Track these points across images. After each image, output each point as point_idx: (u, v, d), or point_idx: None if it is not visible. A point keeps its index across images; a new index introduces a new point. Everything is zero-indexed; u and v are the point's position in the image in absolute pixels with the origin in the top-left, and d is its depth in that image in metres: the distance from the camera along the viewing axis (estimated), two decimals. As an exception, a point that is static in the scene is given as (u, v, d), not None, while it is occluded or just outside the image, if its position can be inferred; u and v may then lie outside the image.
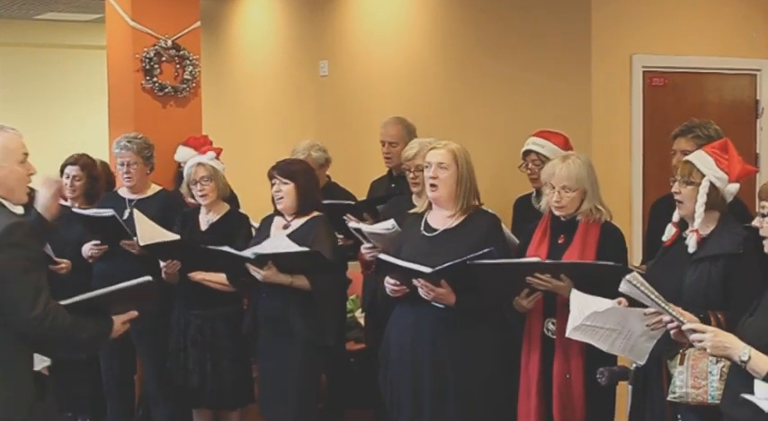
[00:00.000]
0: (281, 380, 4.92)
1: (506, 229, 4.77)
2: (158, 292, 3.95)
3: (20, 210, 3.65)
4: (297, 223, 4.99)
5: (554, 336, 4.21)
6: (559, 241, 4.28)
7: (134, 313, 3.75)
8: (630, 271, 3.83)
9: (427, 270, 4.12)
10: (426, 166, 4.42)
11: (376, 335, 5.05)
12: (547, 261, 4.12)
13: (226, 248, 4.93)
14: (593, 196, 4.27)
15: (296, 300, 4.85)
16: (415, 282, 4.19)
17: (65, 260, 5.53)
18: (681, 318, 3.25)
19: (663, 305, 3.28)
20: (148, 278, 3.77)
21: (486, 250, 4.08)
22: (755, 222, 3.33)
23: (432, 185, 4.37)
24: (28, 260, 3.45)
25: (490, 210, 4.53)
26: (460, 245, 4.24)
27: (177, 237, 5.38)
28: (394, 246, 4.63)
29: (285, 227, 5.01)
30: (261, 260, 4.79)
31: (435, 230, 4.39)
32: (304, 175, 5.05)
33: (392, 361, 4.46)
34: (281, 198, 4.97)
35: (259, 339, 5.07)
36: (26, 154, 3.63)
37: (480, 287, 4.14)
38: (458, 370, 4.27)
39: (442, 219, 4.41)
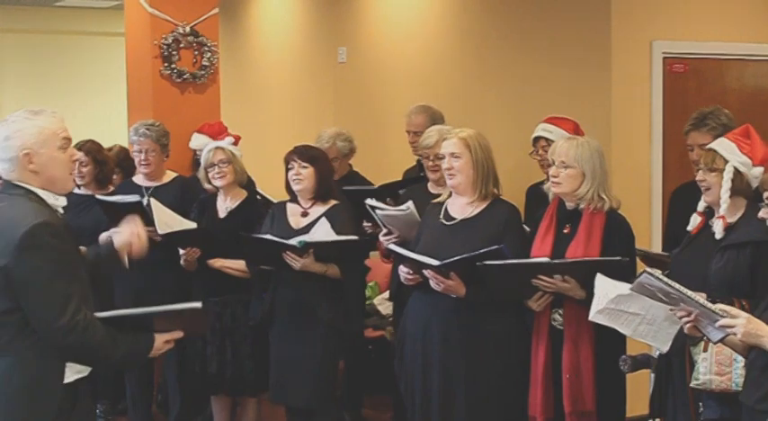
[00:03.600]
0: (300, 365, 4.91)
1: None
2: (207, 320, 3.77)
3: (63, 201, 3.38)
4: (317, 211, 4.97)
5: (561, 327, 4.17)
6: (564, 231, 4.23)
7: (179, 333, 3.48)
8: (651, 258, 3.82)
9: (435, 262, 4.11)
10: (441, 158, 4.43)
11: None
12: (555, 261, 4.07)
13: (269, 237, 4.87)
14: (594, 181, 4.17)
15: (321, 286, 4.84)
16: (425, 272, 4.19)
17: (81, 248, 5.53)
18: (712, 307, 3.20)
19: (690, 296, 3.23)
20: (197, 305, 3.52)
21: (495, 246, 4.05)
22: (762, 214, 3.30)
23: (449, 175, 4.37)
24: (54, 264, 3.19)
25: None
26: (478, 235, 4.23)
27: (194, 224, 5.39)
28: (409, 230, 4.62)
29: (304, 214, 4.99)
30: (304, 248, 4.77)
31: (454, 219, 4.38)
32: (323, 162, 5.05)
33: (406, 349, 4.46)
34: (300, 180, 4.95)
35: (274, 325, 5.06)
36: (68, 138, 3.37)
37: (490, 287, 4.12)
38: (467, 359, 4.25)
39: (461, 207, 4.40)
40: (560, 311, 4.17)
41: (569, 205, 4.26)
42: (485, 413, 4.28)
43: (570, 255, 4.12)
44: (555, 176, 4.21)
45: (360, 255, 4.87)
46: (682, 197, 4.98)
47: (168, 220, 5.34)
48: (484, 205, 4.36)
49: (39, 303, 3.17)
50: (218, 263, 5.32)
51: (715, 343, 3.30)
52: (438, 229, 4.39)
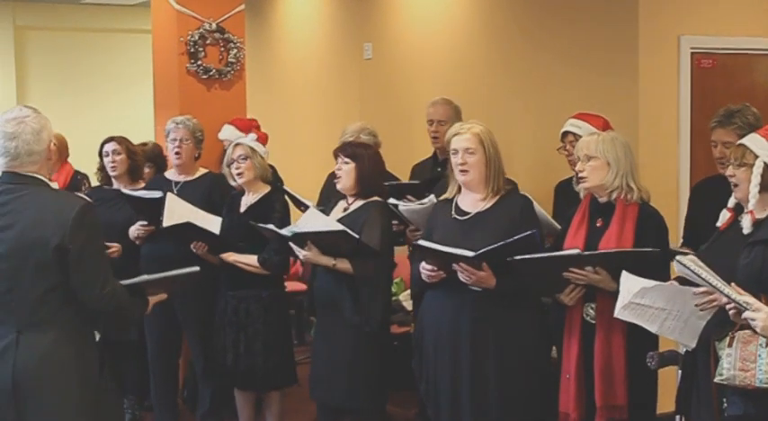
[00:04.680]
0: (331, 363, 4.91)
1: (544, 213, 4.74)
2: (193, 280, 4.11)
3: (56, 185, 3.79)
4: (356, 206, 4.97)
5: (593, 321, 4.17)
6: (597, 224, 4.24)
7: (164, 296, 3.97)
8: (673, 253, 3.80)
9: (470, 254, 4.09)
10: (453, 153, 4.39)
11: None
12: (585, 253, 4.08)
13: (270, 226, 4.95)
14: (620, 170, 4.18)
15: (347, 284, 4.83)
16: (455, 266, 4.17)
17: (115, 244, 5.57)
18: (738, 298, 3.19)
19: (718, 285, 3.23)
20: (197, 269, 4.01)
21: (528, 232, 4.05)
22: None
23: (462, 171, 4.36)
24: (99, 239, 3.67)
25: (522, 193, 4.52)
26: (494, 227, 4.22)
27: (218, 219, 5.41)
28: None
29: (345, 210, 5.00)
30: (298, 239, 4.79)
31: (467, 214, 4.37)
32: (368, 159, 5.00)
33: (427, 346, 4.44)
34: (340, 177, 4.96)
35: (316, 321, 5.09)
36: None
37: (521, 281, 4.12)
38: (498, 353, 4.25)
39: (473, 202, 4.39)
40: (593, 305, 4.17)
41: (601, 199, 4.26)
42: (517, 408, 4.27)
43: (603, 247, 4.13)
44: (581, 171, 4.22)
45: (366, 251, 4.77)
46: (702, 193, 4.96)
47: (185, 214, 5.38)
48: (496, 198, 4.36)
49: (88, 274, 3.56)
50: (231, 257, 5.35)
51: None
52: (451, 225, 4.37)
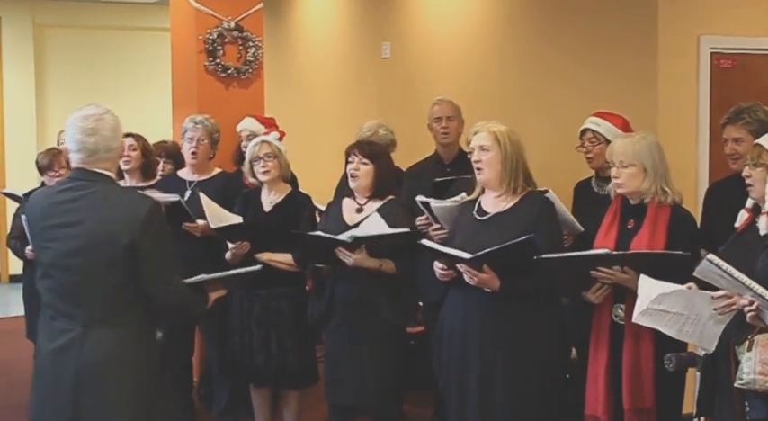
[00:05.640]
0: (360, 365, 4.89)
1: (567, 213, 4.72)
2: (251, 279, 4.36)
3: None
4: (372, 206, 4.95)
5: (622, 322, 4.16)
6: (629, 226, 4.24)
7: (223, 292, 4.10)
8: (701, 258, 3.77)
9: (466, 256, 4.10)
10: (471, 151, 4.40)
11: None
12: (614, 252, 4.07)
13: (320, 233, 4.88)
14: (656, 176, 4.20)
15: (380, 284, 4.82)
16: (459, 267, 4.17)
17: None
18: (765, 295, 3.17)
19: (749, 283, 3.21)
20: (258, 267, 4.30)
21: (525, 237, 4.03)
22: None
23: (477, 169, 4.36)
24: (168, 237, 3.74)
25: (543, 193, 4.50)
26: (511, 228, 4.21)
27: (239, 218, 5.41)
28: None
29: (359, 210, 4.98)
30: (356, 243, 4.73)
31: (487, 214, 4.37)
32: (384, 159, 5.02)
33: (444, 344, 4.45)
34: (357, 177, 4.94)
35: (331, 323, 5.00)
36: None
37: (547, 279, 4.11)
38: (505, 354, 4.23)
39: (493, 202, 4.39)
40: (622, 306, 4.16)
41: (633, 201, 4.25)
42: (524, 408, 4.25)
43: (634, 249, 4.12)
44: (617, 177, 4.22)
45: (414, 250, 4.78)
46: (716, 194, 4.94)
47: (219, 214, 5.38)
48: (516, 199, 4.35)
49: (157, 271, 3.64)
50: (265, 256, 5.33)
51: None
52: (472, 224, 4.38)
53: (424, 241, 4.35)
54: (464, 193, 4.71)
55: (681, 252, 3.96)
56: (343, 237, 4.72)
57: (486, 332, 4.25)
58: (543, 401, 4.28)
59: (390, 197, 4.99)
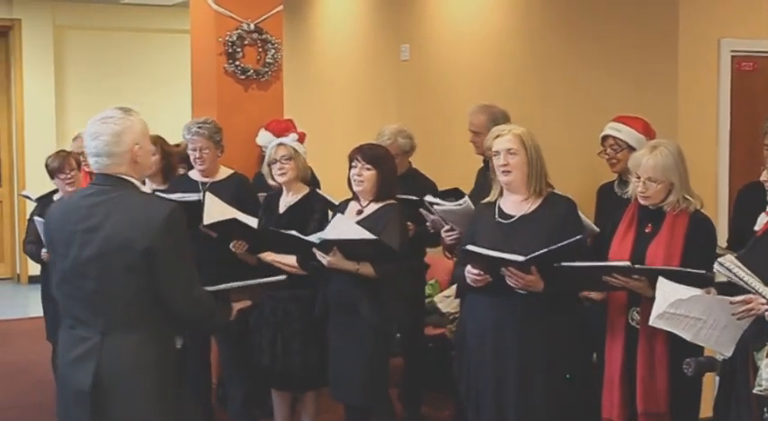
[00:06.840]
0: (350, 363, 4.94)
1: (583, 216, 4.72)
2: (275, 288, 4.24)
3: (148, 188, 3.84)
4: (370, 209, 4.99)
5: (638, 326, 4.15)
6: (646, 230, 4.22)
7: (248, 303, 4.01)
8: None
9: (520, 258, 4.06)
10: (495, 154, 4.37)
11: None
12: (636, 266, 4.05)
13: (292, 232, 4.94)
14: (681, 187, 4.20)
15: (364, 286, 4.85)
16: (503, 270, 4.14)
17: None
18: None
19: (757, 286, 3.20)
20: (283, 277, 4.20)
21: (577, 237, 4.04)
22: None
23: (504, 172, 4.34)
24: (186, 243, 3.66)
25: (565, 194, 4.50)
26: (539, 230, 4.20)
27: (254, 220, 5.42)
28: (468, 224, 4.59)
29: (359, 212, 5.01)
30: (325, 246, 4.80)
31: (511, 217, 4.34)
32: (387, 163, 5.04)
33: (470, 349, 4.42)
34: (361, 181, 4.97)
35: (329, 323, 5.08)
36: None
37: (563, 283, 4.12)
38: (544, 356, 4.22)
39: (516, 204, 4.37)
40: (638, 309, 4.16)
41: (652, 206, 4.25)
42: (561, 408, 4.25)
43: (651, 254, 4.12)
44: (643, 192, 4.21)
45: (392, 255, 4.77)
46: (747, 197, 4.91)
47: (221, 212, 5.39)
48: (540, 201, 4.34)
49: (176, 278, 3.57)
50: (269, 257, 5.35)
51: None
52: (495, 228, 4.34)
53: (470, 246, 4.26)
54: (467, 197, 4.71)
55: (704, 272, 3.91)
56: (313, 238, 4.84)
57: (524, 333, 4.23)
58: (579, 402, 4.29)
59: (390, 201, 5.01)
